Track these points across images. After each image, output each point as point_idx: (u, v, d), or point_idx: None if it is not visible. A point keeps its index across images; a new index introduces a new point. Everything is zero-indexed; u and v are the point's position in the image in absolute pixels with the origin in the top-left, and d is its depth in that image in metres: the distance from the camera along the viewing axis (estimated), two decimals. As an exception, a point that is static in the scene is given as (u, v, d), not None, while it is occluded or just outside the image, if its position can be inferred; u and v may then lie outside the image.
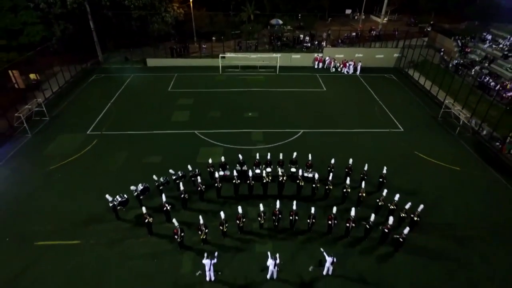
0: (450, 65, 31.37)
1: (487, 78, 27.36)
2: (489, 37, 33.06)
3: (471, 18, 37.54)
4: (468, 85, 25.75)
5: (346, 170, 17.82)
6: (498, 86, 25.69)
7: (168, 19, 35.62)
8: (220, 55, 33.74)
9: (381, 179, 17.47)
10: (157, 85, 31.04)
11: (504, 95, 24.83)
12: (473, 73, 28.90)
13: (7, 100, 24.11)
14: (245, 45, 37.64)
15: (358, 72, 34.42)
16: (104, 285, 13.09)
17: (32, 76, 27.02)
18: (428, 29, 38.60)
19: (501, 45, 31.22)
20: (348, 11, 47.53)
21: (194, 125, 24.20)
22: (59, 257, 14.16)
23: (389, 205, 15.67)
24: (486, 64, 30.26)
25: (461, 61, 31.29)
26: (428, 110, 27.36)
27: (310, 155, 18.42)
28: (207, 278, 13.21)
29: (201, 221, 14.25)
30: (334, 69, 35.15)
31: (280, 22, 41.11)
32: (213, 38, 38.07)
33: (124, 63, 36.24)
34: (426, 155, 21.35)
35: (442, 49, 33.99)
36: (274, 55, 34.35)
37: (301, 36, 38.56)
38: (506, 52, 29.78)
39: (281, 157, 18.35)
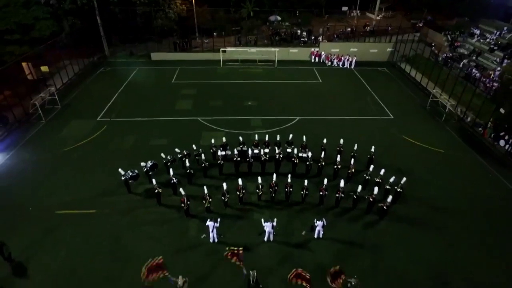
0: (440, 59, 32.96)
1: (473, 70, 28.94)
2: (478, 32, 34.67)
3: (461, 14, 39.13)
4: (456, 77, 27.34)
5: (337, 149, 19.42)
6: (481, 77, 27.29)
7: (171, 15, 37.27)
8: (221, 49, 35.40)
9: (369, 156, 19.06)
10: (162, 77, 32.73)
11: (488, 84, 26.41)
12: (461, 65, 30.48)
13: (22, 90, 25.74)
14: (245, 40, 39.26)
15: (352, 66, 36.03)
16: (119, 246, 14.67)
17: (44, 68, 28.58)
18: (420, 25, 40.24)
19: (488, 39, 32.83)
20: (345, 8, 49.17)
21: (197, 112, 25.85)
22: (78, 223, 15.75)
23: (375, 179, 17.28)
24: (474, 57, 31.88)
25: (451, 54, 32.89)
26: (417, 100, 29.02)
27: (304, 137, 20.04)
28: (211, 240, 14.81)
29: (206, 191, 15.88)
30: (330, 63, 36.75)
31: (279, 18, 42.75)
32: (214, 33, 39.67)
33: (129, 57, 37.88)
34: (414, 139, 22.99)
35: (433, 44, 35.58)
36: (273, 49, 36.00)
37: (299, 31, 40.18)
38: (492, 46, 31.39)
39: (278, 139, 20.00)
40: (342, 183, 16.42)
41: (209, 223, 14.39)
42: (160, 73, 33.95)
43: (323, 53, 36.94)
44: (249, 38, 39.26)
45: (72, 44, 33.16)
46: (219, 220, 14.61)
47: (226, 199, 16.41)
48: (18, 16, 29.76)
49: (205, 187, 16.00)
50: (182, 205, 15.74)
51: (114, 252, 14.38)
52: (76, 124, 24.09)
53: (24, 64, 27.69)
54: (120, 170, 17.05)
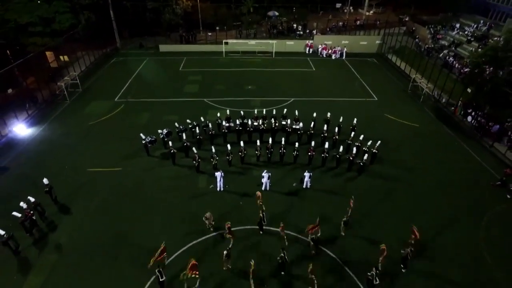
0: (423, 49, 36.22)
1: (450, 59, 32.21)
2: (458, 25, 37.93)
3: (445, 10, 42.37)
4: (435, 65, 30.56)
5: (325, 121, 22.66)
6: (457, 64, 30.58)
7: (178, 10, 40.58)
8: (224, 41, 38.66)
9: (351, 128, 22.27)
10: (170, 66, 36.03)
11: (462, 70, 29.65)
12: (441, 55, 33.73)
13: (47, 75, 29.03)
14: (245, 33, 42.55)
15: (344, 57, 39.24)
16: (142, 195, 17.86)
17: (66, 58, 31.88)
18: (406, 19, 43.52)
19: (466, 32, 36.10)
20: (338, 5, 52.48)
21: (203, 94, 29.14)
22: (107, 177, 19.01)
23: (355, 143, 20.54)
24: (453, 48, 35.13)
25: (432, 45, 36.16)
26: (400, 85, 32.29)
27: (296, 111, 23.31)
28: (218, 189, 18.06)
29: (213, 150, 19.14)
30: (324, 53, 39.94)
31: (277, 13, 46.07)
32: (217, 27, 42.93)
33: (139, 49, 41.18)
34: (394, 116, 26.24)
35: (417, 36, 38.83)
36: (271, 41, 39.26)
37: (295, 25, 43.47)
38: (469, 38, 34.65)
39: (274, 112, 23.23)
40: (326, 145, 19.70)
41: (217, 173, 17.66)
42: (168, 62, 37.22)
43: (319, 46, 39.99)
44: (249, 31, 42.54)
45: (87, 37, 36.40)
46: (222, 174, 17.81)
47: (230, 159, 19.65)
48: (41, 10, 33.00)
49: (213, 147, 19.33)
50: (194, 162, 18.99)
51: (138, 197, 17.62)
52: (97, 104, 27.35)
53: (48, 53, 30.94)
54: (141, 134, 20.36)
